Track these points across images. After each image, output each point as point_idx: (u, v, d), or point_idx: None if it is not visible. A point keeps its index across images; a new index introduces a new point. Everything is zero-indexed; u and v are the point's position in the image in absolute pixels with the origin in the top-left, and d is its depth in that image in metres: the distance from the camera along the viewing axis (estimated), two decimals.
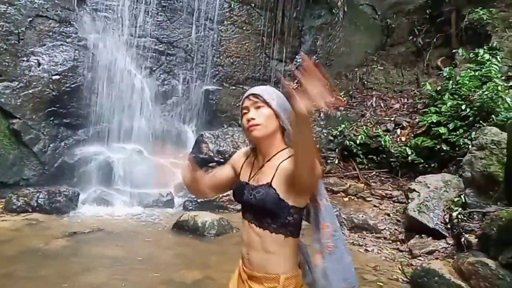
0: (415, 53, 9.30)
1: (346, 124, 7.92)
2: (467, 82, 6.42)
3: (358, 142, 7.34)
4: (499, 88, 5.87)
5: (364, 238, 5.31)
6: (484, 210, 4.30)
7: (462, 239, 4.06)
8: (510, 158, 4.03)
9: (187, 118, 7.95)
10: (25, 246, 4.51)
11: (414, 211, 4.99)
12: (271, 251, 1.58)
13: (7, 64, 6.03)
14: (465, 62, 7.38)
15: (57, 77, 6.39)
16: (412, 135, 7.09)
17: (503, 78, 6.43)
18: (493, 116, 5.68)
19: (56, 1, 6.56)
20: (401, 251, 4.84)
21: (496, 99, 5.76)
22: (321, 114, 8.28)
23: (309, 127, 1.37)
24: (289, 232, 1.58)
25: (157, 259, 4.40)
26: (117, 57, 7.13)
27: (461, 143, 5.94)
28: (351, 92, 9.05)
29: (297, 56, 9.28)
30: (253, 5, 8.54)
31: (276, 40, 8.79)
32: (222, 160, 6.79)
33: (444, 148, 6.19)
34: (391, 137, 7.24)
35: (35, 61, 6.24)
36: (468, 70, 6.73)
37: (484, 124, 5.58)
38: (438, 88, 7.19)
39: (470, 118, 6.04)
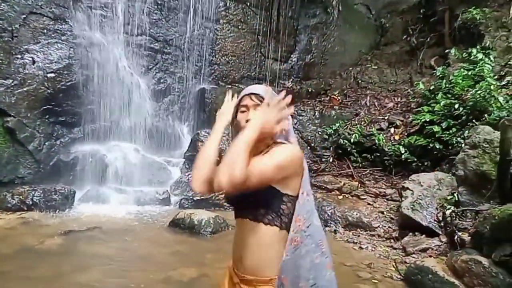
0: (409, 52, 9.39)
1: (341, 122, 7.98)
2: (460, 81, 6.49)
3: (352, 140, 7.40)
4: (492, 87, 5.94)
5: (359, 236, 5.36)
6: (477, 208, 4.38)
7: (456, 237, 4.13)
8: (503, 157, 4.11)
9: (183, 117, 7.95)
10: (20, 245, 4.50)
11: (408, 209, 5.05)
12: (265, 247, 1.57)
13: (1, 61, 5.97)
14: (458, 62, 7.46)
15: (52, 75, 6.34)
16: (406, 134, 7.16)
17: (496, 77, 6.53)
18: (485, 115, 5.76)
19: None
20: (395, 248, 4.89)
21: (489, 98, 5.84)
22: (316, 113, 8.33)
23: (248, 133, 1.47)
24: (283, 224, 1.57)
25: (153, 257, 4.42)
26: (112, 55, 7.09)
27: (454, 142, 6.02)
28: (345, 91, 9.12)
29: (291, 56, 9.32)
30: (248, 4, 8.55)
31: (271, 39, 8.81)
32: (218, 158, 6.79)
33: (437, 147, 6.26)
34: (384, 135, 7.30)
35: (30, 58, 6.20)
36: (461, 69, 6.80)
37: (477, 123, 5.66)
38: (432, 87, 7.26)
39: (463, 117, 6.11)
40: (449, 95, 6.60)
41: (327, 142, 7.91)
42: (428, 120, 6.58)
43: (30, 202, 5.57)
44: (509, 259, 3.27)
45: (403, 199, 5.29)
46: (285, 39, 9.01)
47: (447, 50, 8.01)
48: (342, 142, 7.54)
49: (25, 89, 6.11)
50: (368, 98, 8.56)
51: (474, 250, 3.67)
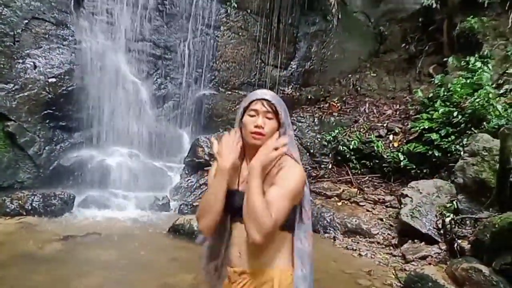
0: (407, 60, 9.45)
1: (340, 129, 8.00)
2: (458, 89, 6.53)
3: (351, 147, 7.42)
4: (490, 95, 5.99)
5: (358, 243, 5.36)
6: (476, 216, 4.39)
7: (455, 245, 4.14)
8: (503, 165, 4.13)
9: (183, 122, 7.96)
10: (18, 250, 4.49)
11: (407, 216, 5.06)
12: (265, 245, 1.58)
13: (2, 66, 6.00)
14: (457, 70, 7.50)
15: (53, 79, 6.37)
16: (405, 141, 7.18)
17: (494, 85, 6.57)
18: (484, 123, 5.80)
19: (53, 4, 6.55)
20: (394, 255, 4.90)
21: (487, 107, 5.88)
22: (315, 120, 8.37)
23: (256, 182, 1.55)
24: (283, 226, 1.61)
25: (153, 263, 4.41)
26: (114, 61, 7.13)
27: (453, 150, 6.05)
28: (344, 98, 9.15)
29: (291, 63, 9.38)
30: (249, 11, 8.61)
31: (271, 46, 8.87)
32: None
33: (436, 154, 6.28)
34: (383, 142, 7.33)
35: (31, 63, 6.22)
36: (460, 77, 6.85)
37: (476, 131, 5.70)
38: (430, 95, 7.30)
39: (462, 125, 6.14)
40: (448, 103, 6.64)
41: (326, 148, 7.93)
42: (426, 127, 6.61)
43: (29, 207, 5.56)
44: (509, 267, 3.29)
45: (402, 206, 5.30)
46: (285, 46, 9.07)
47: (445, 59, 8.06)
48: (341, 148, 7.56)
49: (26, 93, 6.13)
50: (367, 105, 8.60)
51: (474, 258, 3.68)
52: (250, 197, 1.52)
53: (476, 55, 7.24)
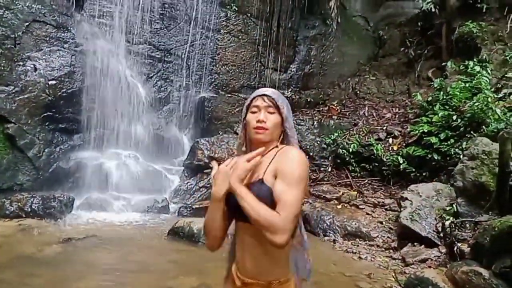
0: (407, 64, 9.49)
1: (339, 132, 8.02)
2: (457, 93, 6.57)
3: (350, 150, 7.44)
4: (489, 99, 6.01)
5: (358, 246, 5.36)
6: (476, 220, 4.40)
7: (455, 248, 4.14)
8: (502, 169, 4.15)
9: (182, 125, 7.97)
10: (17, 253, 4.47)
11: (407, 219, 5.06)
12: (266, 250, 1.57)
13: (2, 68, 5.99)
14: (456, 74, 7.54)
15: (54, 82, 6.37)
16: (404, 144, 7.20)
17: (493, 90, 6.60)
18: (483, 126, 5.82)
19: (54, 7, 6.56)
20: (394, 259, 4.89)
21: (487, 110, 5.91)
22: (315, 123, 8.39)
23: (243, 194, 1.53)
24: None
25: (153, 265, 4.40)
26: (114, 63, 7.13)
27: (452, 153, 6.06)
28: (344, 102, 9.19)
29: (291, 66, 9.41)
30: (249, 14, 8.65)
31: (271, 49, 8.90)
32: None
33: (435, 158, 6.30)
34: (383, 146, 7.35)
35: (32, 66, 6.22)
36: (459, 81, 6.88)
37: (475, 135, 5.72)
38: (429, 98, 7.33)
39: (461, 129, 6.17)
40: (447, 107, 6.67)
41: (326, 151, 7.95)
42: (426, 131, 6.63)
43: (29, 209, 5.54)
44: (509, 270, 3.29)
45: (402, 209, 5.30)
46: (285, 49, 9.10)
47: (444, 63, 8.10)
48: (340, 151, 7.58)
49: (26, 96, 6.12)
50: (367, 108, 8.63)
51: (474, 262, 3.68)
52: (248, 211, 1.50)
53: (475, 59, 7.27)
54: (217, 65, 8.39)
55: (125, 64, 7.39)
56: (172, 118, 7.85)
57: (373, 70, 9.74)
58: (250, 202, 1.50)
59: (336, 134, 7.95)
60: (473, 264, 3.62)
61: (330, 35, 9.69)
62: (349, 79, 9.68)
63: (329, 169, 7.69)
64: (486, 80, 6.54)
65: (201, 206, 6.18)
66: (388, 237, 5.42)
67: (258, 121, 1.65)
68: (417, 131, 6.82)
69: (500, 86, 6.94)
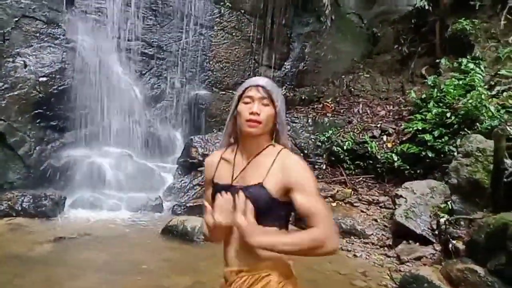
0: (400, 61, 9.48)
1: (334, 130, 7.99)
2: (451, 90, 6.57)
3: (345, 148, 7.41)
4: (483, 96, 6.02)
5: (353, 244, 5.35)
6: (471, 217, 4.40)
7: (450, 246, 4.14)
8: (497, 166, 4.15)
9: (176, 122, 7.91)
10: (8, 252, 4.39)
11: (401, 217, 5.05)
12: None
13: None
14: (449, 71, 7.55)
15: (44, 79, 6.26)
16: (398, 142, 7.20)
17: (486, 87, 6.62)
18: (477, 124, 5.83)
19: (44, 2, 6.45)
20: (389, 256, 4.88)
21: (480, 108, 5.92)
22: (309, 120, 8.36)
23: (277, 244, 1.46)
24: (283, 222, 1.58)
25: (146, 264, 4.34)
26: (106, 60, 7.05)
27: (446, 150, 6.07)
28: (338, 99, 9.15)
29: (285, 63, 9.37)
30: (243, 11, 8.59)
31: (265, 46, 8.86)
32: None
33: (430, 155, 6.30)
34: (377, 143, 7.33)
35: (21, 62, 6.11)
36: (452, 78, 6.88)
37: (469, 132, 5.73)
38: (423, 96, 7.33)
39: (455, 126, 6.17)
40: (441, 104, 6.67)
41: (320, 149, 7.92)
42: (420, 128, 6.63)
43: (19, 208, 5.46)
44: (504, 268, 3.29)
45: (396, 206, 5.30)
46: (279, 46, 9.07)
47: (438, 60, 8.11)
48: (335, 149, 7.56)
49: (16, 92, 6.02)
50: (361, 106, 8.61)
51: (469, 259, 3.68)
52: (291, 252, 1.45)
53: (468, 57, 7.29)
54: (210, 62, 8.33)
55: (118, 61, 7.30)
56: (165, 116, 7.78)
57: (367, 68, 9.72)
58: (286, 242, 1.44)
59: (330, 132, 7.92)
60: (468, 262, 3.62)
61: (324, 32, 9.66)
62: (343, 76, 9.64)
63: (324, 167, 7.67)
64: (479, 78, 6.56)
65: (195, 204, 6.13)
66: (383, 234, 5.42)
67: (251, 113, 1.55)
68: (411, 129, 6.82)
69: (493, 83, 6.95)
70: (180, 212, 6.12)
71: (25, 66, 6.13)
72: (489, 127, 5.44)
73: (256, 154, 1.60)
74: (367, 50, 10.30)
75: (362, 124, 8.05)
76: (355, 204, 6.22)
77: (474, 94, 6.14)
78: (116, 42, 7.28)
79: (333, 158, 7.65)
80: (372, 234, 5.46)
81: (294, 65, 9.44)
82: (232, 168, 1.62)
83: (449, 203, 4.89)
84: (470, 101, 6.05)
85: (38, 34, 6.35)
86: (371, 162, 7.17)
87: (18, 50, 6.13)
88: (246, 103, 1.58)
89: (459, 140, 5.80)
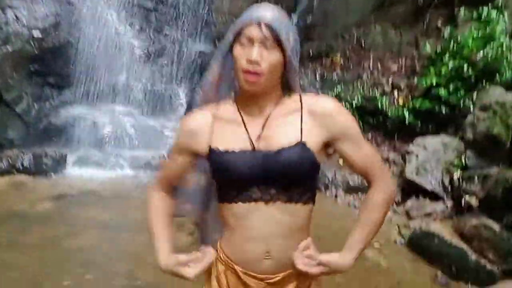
0: (415, 12, 8.96)
1: (342, 86, 7.71)
2: (469, 42, 6.18)
3: (354, 104, 7.15)
4: (504, 47, 5.65)
5: (360, 200, 5.23)
6: (486, 172, 4.19)
7: (463, 201, 3.97)
8: None
9: (178, 79, 7.63)
10: (9, 209, 4.38)
11: (412, 173, 4.89)
12: (299, 232, 1.25)
13: None
14: (467, 22, 7.10)
15: (38, 33, 5.99)
16: (410, 97, 6.92)
17: (508, 37, 6.21)
18: (497, 76, 5.50)
19: None
20: (398, 213, 4.74)
21: (501, 59, 5.56)
22: (317, 76, 8.05)
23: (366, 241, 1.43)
24: (314, 197, 1.31)
25: (147, 223, 4.27)
26: (104, 14, 6.74)
27: (462, 105, 5.79)
28: (347, 54, 8.78)
29: (292, 17, 8.91)
30: None
31: None
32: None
33: (444, 111, 6.03)
34: (388, 99, 7.06)
35: (13, 15, 5.82)
36: (471, 30, 6.48)
37: (488, 85, 5.42)
38: (438, 49, 6.95)
39: (472, 79, 5.84)
40: (458, 57, 6.30)
41: None
42: (434, 83, 6.32)
43: (20, 166, 5.39)
44: None
45: (407, 163, 5.14)
46: None
47: (455, 11, 7.62)
48: (343, 105, 7.29)
49: (9, 48, 5.77)
50: (372, 60, 8.24)
51: (483, 215, 3.52)
52: (379, 226, 1.44)
53: (490, 5, 6.81)
54: (213, 16, 7.93)
55: (116, 15, 6.97)
56: (167, 72, 7.50)
57: (379, 20, 9.21)
58: (372, 230, 1.43)
59: (339, 88, 7.64)
60: (482, 217, 3.47)
61: None
62: (353, 29, 9.19)
63: None
64: (501, 27, 6.14)
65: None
66: None
67: (249, 61, 1.15)
68: (424, 84, 6.50)
69: None
70: None
71: (17, 19, 5.84)
72: (510, 79, 5.12)
73: (277, 105, 1.25)
74: (379, 1, 9.73)
75: (372, 79, 7.74)
76: None
77: (494, 45, 5.76)
78: None
79: None
80: None
81: (301, 18, 8.98)
82: (244, 128, 1.23)
83: (463, 158, 4.69)
84: (490, 52, 5.68)
85: None
86: (381, 118, 6.93)
87: (8, 2, 5.82)
88: (242, 45, 1.18)
89: (476, 93, 5.50)
